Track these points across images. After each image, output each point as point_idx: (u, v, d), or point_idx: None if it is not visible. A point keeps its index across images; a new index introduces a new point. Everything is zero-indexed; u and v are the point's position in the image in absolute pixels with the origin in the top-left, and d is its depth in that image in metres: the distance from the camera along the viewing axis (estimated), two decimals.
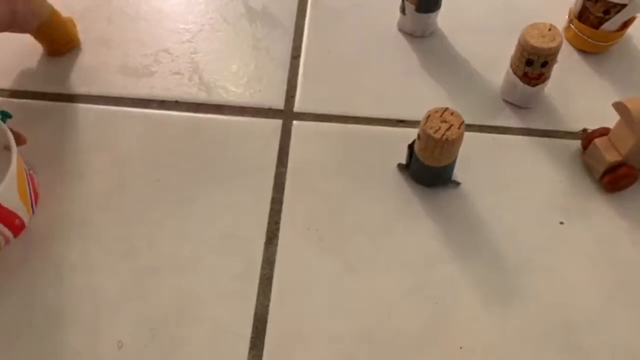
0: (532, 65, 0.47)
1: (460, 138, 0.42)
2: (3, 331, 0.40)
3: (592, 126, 0.49)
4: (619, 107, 0.43)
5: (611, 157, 0.46)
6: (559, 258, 0.45)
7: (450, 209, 0.47)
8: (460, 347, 0.41)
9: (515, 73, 0.50)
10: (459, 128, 0.42)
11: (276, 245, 0.44)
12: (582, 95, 0.53)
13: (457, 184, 0.47)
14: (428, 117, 0.43)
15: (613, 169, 0.46)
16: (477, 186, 0.48)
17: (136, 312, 0.41)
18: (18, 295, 0.42)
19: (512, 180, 0.48)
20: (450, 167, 0.46)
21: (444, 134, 0.41)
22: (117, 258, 0.44)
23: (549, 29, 0.46)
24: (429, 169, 0.45)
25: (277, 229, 0.45)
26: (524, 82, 0.49)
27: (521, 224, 0.46)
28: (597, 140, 0.47)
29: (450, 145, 0.42)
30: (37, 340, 0.40)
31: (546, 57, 0.46)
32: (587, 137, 0.48)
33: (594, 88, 0.54)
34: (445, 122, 0.42)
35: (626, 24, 0.53)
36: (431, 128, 0.42)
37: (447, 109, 0.43)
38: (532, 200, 0.47)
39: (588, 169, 0.48)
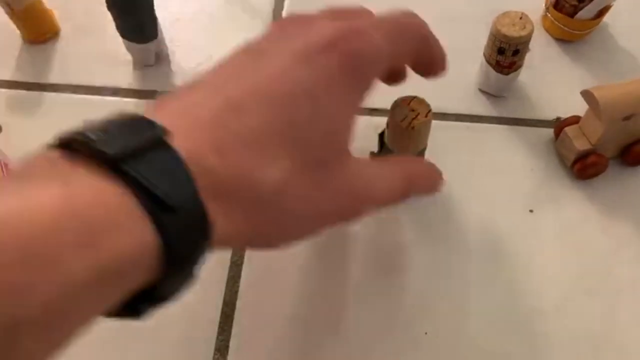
0: (504, 53, 0.48)
1: (427, 126, 0.43)
2: None
3: (566, 115, 0.49)
4: (587, 95, 0.44)
5: (581, 145, 0.46)
6: (528, 245, 0.45)
7: (421, 198, 0.47)
8: (425, 333, 0.41)
9: (488, 62, 0.50)
10: (425, 116, 0.42)
11: None
12: (558, 83, 0.53)
13: None
14: (396, 105, 0.43)
15: (583, 157, 0.46)
16: (449, 174, 0.48)
17: None
18: None
19: (485, 168, 0.49)
20: (419, 156, 0.46)
21: (410, 123, 0.42)
22: None
23: (520, 18, 0.46)
24: None
25: None
26: (497, 70, 0.49)
27: (491, 212, 0.46)
28: (567, 129, 0.47)
29: (417, 134, 0.42)
30: None
31: (517, 45, 0.47)
32: (559, 126, 0.48)
33: (570, 76, 0.54)
34: (412, 110, 0.42)
35: (602, 12, 0.53)
36: (398, 116, 0.42)
37: (414, 97, 0.43)
38: (503, 188, 0.47)
39: (560, 157, 0.49)
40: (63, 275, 0.19)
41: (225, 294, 0.42)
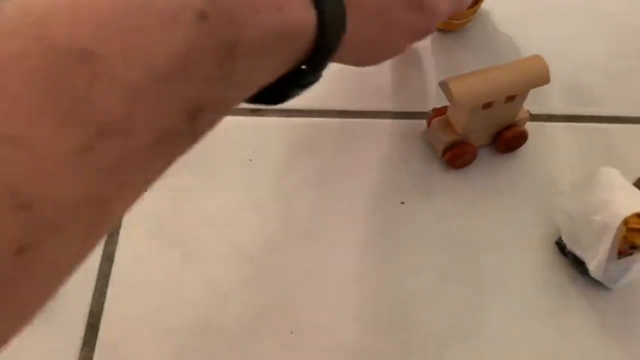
0: None
1: None
2: None
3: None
4: (443, 86, 0.44)
5: (448, 136, 0.46)
6: (398, 238, 0.45)
7: (298, 195, 0.47)
8: (291, 332, 0.41)
9: None
10: None
11: (116, 242, 0.45)
12: (436, 74, 0.54)
13: None
14: None
15: (452, 147, 0.47)
16: (322, 171, 0.48)
17: None
18: None
19: (358, 164, 0.49)
20: None
21: None
22: None
23: None
24: None
25: (119, 225, 0.45)
26: None
27: (362, 207, 0.47)
28: (435, 120, 0.47)
29: None
30: None
31: None
32: (430, 117, 0.49)
33: (449, 66, 0.54)
34: None
35: (477, 1, 0.54)
36: None
37: None
38: (375, 183, 0.48)
39: (432, 148, 0.49)
40: (264, 25, 0.23)
41: (92, 305, 0.42)
